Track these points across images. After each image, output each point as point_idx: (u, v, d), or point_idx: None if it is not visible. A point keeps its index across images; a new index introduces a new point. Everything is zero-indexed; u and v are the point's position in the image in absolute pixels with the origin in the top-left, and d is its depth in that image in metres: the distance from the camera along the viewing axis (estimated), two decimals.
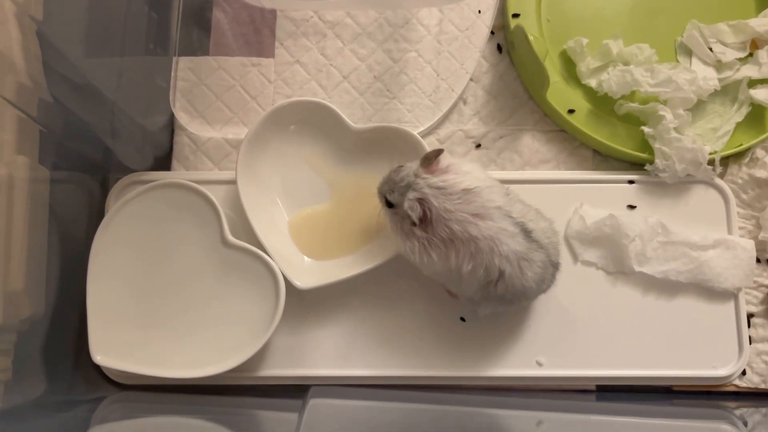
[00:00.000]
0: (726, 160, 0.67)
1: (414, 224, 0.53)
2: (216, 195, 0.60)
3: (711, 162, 0.64)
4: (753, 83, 0.66)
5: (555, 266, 0.57)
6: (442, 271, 0.54)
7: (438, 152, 0.54)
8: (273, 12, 0.71)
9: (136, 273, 0.60)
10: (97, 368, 0.62)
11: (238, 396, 0.63)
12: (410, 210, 0.52)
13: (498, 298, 0.55)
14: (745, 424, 0.56)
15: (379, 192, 0.56)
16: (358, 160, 0.65)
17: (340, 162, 0.65)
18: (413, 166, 0.54)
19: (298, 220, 0.64)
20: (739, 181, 0.66)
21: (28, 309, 0.54)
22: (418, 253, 0.54)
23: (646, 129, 0.64)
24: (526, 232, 0.53)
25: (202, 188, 0.60)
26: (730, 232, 0.65)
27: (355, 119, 0.68)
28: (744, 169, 0.66)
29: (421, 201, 0.52)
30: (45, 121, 0.55)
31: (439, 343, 0.62)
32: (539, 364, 0.62)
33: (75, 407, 0.58)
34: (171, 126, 0.69)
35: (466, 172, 0.53)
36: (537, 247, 0.54)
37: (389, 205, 0.55)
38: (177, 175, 0.67)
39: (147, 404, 0.61)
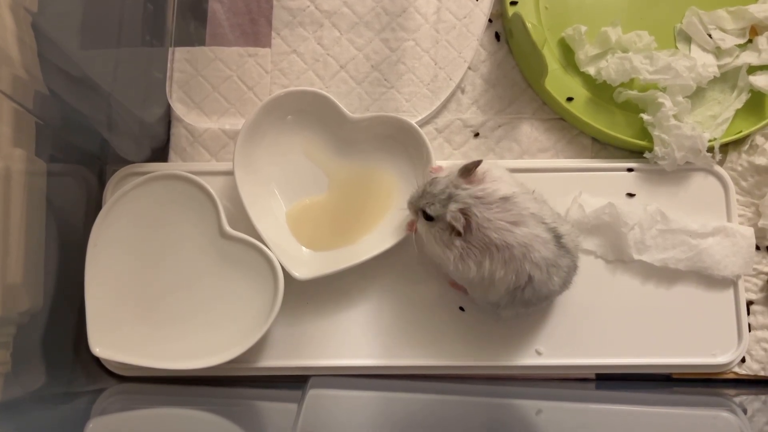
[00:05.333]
0: (725, 148, 0.67)
1: (459, 234, 0.53)
2: (213, 186, 0.60)
3: (710, 149, 0.64)
4: (752, 70, 0.66)
5: (576, 269, 0.58)
6: (474, 277, 0.54)
7: (477, 163, 0.54)
8: (269, 2, 0.70)
9: (135, 265, 0.60)
10: (97, 360, 0.62)
11: (238, 387, 0.63)
12: (455, 221, 0.52)
13: (523, 302, 0.56)
14: (745, 411, 0.56)
15: (412, 206, 0.56)
16: (356, 149, 0.65)
17: (338, 152, 0.65)
18: (450, 176, 0.54)
19: (296, 210, 0.64)
20: (739, 168, 0.66)
21: (26, 302, 0.54)
22: (454, 261, 0.54)
23: (645, 116, 0.64)
24: (558, 238, 0.54)
25: (200, 179, 0.60)
26: (729, 219, 0.65)
27: (352, 109, 0.67)
28: (743, 156, 0.66)
29: (464, 211, 0.52)
30: (41, 113, 0.55)
31: (438, 333, 0.62)
32: (538, 353, 0.62)
33: (74, 399, 0.58)
34: (168, 117, 0.69)
35: (498, 178, 0.54)
36: (565, 252, 0.55)
37: (428, 218, 0.54)
38: (174, 166, 0.67)
39: (146, 396, 0.61)
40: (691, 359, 0.62)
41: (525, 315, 0.61)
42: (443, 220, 0.53)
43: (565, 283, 0.57)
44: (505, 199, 0.52)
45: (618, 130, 0.66)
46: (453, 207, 0.52)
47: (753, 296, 0.65)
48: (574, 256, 0.56)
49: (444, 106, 0.69)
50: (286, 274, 0.59)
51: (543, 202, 0.56)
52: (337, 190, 0.64)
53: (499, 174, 0.55)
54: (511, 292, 0.55)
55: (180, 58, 0.69)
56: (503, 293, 0.55)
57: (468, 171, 0.54)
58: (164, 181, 0.60)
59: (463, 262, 0.53)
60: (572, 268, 0.57)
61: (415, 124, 0.62)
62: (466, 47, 0.70)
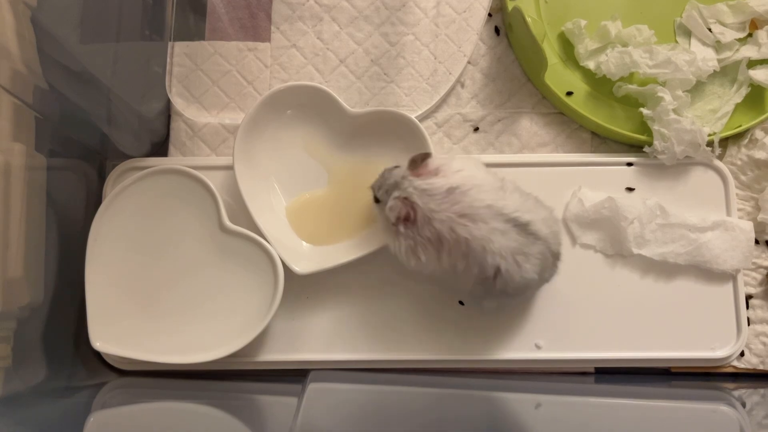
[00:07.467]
0: (725, 142, 0.67)
1: (401, 222, 0.53)
2: (213, 181, 0.60)
3: (710, 143, 0.64)
4: (752, 64, 0.66)
5: (555, 256, 0.57)
6: (435, 270, 0.55)
7: (425, 156, 0.54)
8: None
9: (135, 259, 0.60)
10: (97, 354, 0.62)
11: (238, 381, 0.63)
12: (390, 210, 0.53)
13: (500, 292, 0.55)
14: (743, 405, 0.56)
15: (372, 187, 0.57)
16: (356, 144, 0.65)
17: (338, 146, 0.65)
18: (405, 166, 0.55)
19: (296, 205, 0.64)
20: (738, 162, 0.66)
21: (27, 296, 0.54)
22: (404, 252, 0.54)
23: (644, 111, 0.64)
24: (521, 226, 0.53)
25: (200, 174, 0.60)
26: (728, 213, 0.65)
27: (352, 103, 0.67)
28: (743, 150, 0.66)
29: (405, 200, 0.52)
30: (41, 108, 0.55)
31: (438, 327, 0.63)
32: (538, 347, 0.63)
33: (75, 393, 0.58)
34: (167, 112, 0.69)
35: (456, 171, 0.54)
36: (534, 239, 0.54)
37: (377, 200, 0.56)
38: (174, 161, 0.67)
39: (147, 390, 0.61)
40: (690, 353, 0.62)
41: (510, 306, 0.62)
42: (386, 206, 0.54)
43: (544, 270, 0.56)
44: (450, 190, 0.52)
45: (617, 125, 0.66)
46: (394, 194, 0.53)
47: (752, 290, 0.65)
48: (548, 241, 0.55)
49: (443, 100, 0.69)
50: (286, 269, 0.59)
51: (514, 190, 0.56)
52: (336, 184, 0.64)
53: (459, 167, 0.54)
54: (481, 282, 0.54)
55: (179, 52, 0.69)
56: (473, 283, 0.55)
57: (414, 163, 0.54)
58: (164, 175, 0.60)
59: (413, 254, 0.54)
60: (547, 254, 0.55)
61: (414, 119, 0.62)
62: (466, 41, 0.69)
